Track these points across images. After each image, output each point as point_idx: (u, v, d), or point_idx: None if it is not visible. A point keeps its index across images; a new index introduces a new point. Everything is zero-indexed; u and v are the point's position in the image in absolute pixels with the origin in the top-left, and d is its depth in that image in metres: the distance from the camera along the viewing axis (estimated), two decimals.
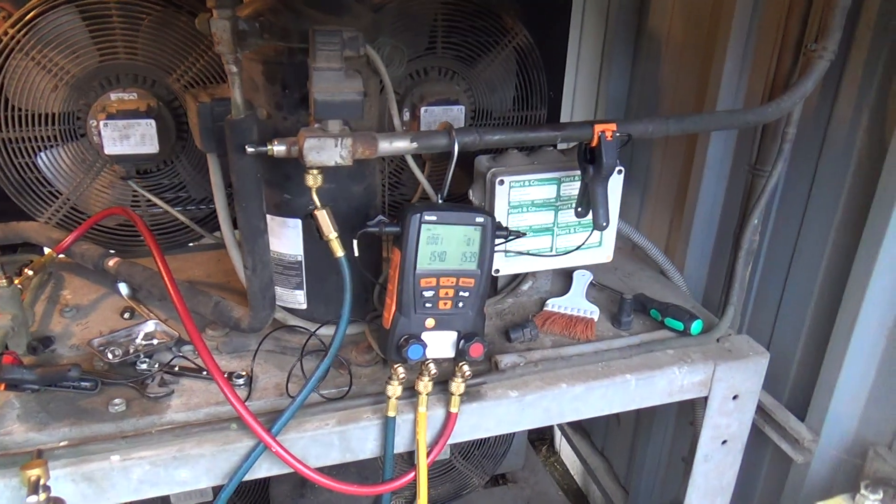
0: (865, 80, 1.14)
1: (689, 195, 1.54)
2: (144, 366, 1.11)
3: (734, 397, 1.24)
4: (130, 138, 1.33)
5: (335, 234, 0.97)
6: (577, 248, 1.22)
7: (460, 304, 0.99)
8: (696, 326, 1.23)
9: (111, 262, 1.26)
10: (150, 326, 1.19)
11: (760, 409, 1.35)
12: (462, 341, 1.00)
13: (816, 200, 1.27)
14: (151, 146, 1.34)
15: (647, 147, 1.73)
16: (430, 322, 0.99)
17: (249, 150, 0.90)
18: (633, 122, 1.05)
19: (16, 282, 1.14)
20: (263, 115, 1.03)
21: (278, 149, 0.91)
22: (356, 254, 0.97)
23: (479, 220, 0.97)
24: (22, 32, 1.27)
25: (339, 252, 0.97)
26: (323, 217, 0.96)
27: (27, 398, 1.05)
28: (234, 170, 0.95)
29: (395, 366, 1.00)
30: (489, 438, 1.88)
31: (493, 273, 1.22)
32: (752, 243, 1.26)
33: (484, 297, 1.01)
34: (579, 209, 1.12)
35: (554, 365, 1.16)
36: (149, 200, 1.42)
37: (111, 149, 1.33)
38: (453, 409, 1.05)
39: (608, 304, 1.35)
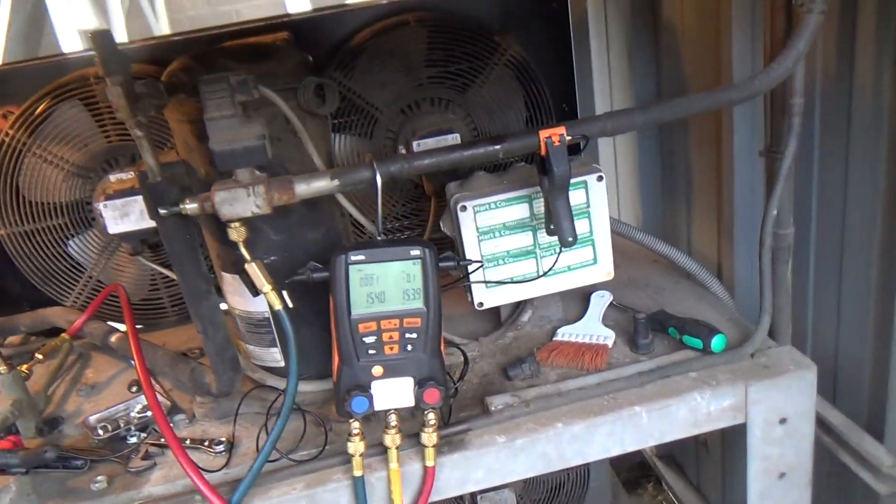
0: (881, 29, 0.95)
1: (723, 191, 1.37)
2: (134, 439, 1.11)
3: (781, 421, 1.05)
4: (130, 215, 1.37)
5: (269, 287, 0.92)
6: (568, 268, 1.10)
7: (409, 347, 0.91)
8: (717, 342, 1.06)
9: (114, 339, 1.29)
10: (145, 399, 1.20)
11: (831, 431, 1.14)
12: (416, 387, 0.91)
13: (855, 178, 1.07)
14: (151, 220, 1.37)
15: (682, 143, 1.57)
16: (377, 370, 0.91)
17: (162, 212, 0.88)
18: (587, 121, 0.93)
19: (24, 367, 1.19)
20: (202, 175, 1.02)
21: (191, 206, 0.89)
22: (289, 305, 0.92)
23: (415, 252, 0.89)
24: (26, 133, 1.35)
25: (277, 305, 0.93)
26: (253, 270, 0.92)
27: (23, 481, 1.08)
28: (161, 234, 0.93)
29: (350, 421, 0.93)
30: (547, 483, 1.72)
31: (476, 307, 1.13)
32: (779, 238, 1.08)
33: (436, 337, 0.92)
34: (551, 226, 1.00)
35: (550, 402, 1.04)
36: (160, 273, 1.45)
37: (114, 228, 1.37)
38: (429, 463, 0.96)
39: (629, 327, 1.20)
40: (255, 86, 0.85)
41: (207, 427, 1.14)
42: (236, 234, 0.90)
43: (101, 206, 1.37)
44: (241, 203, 0.87)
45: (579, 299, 1.28)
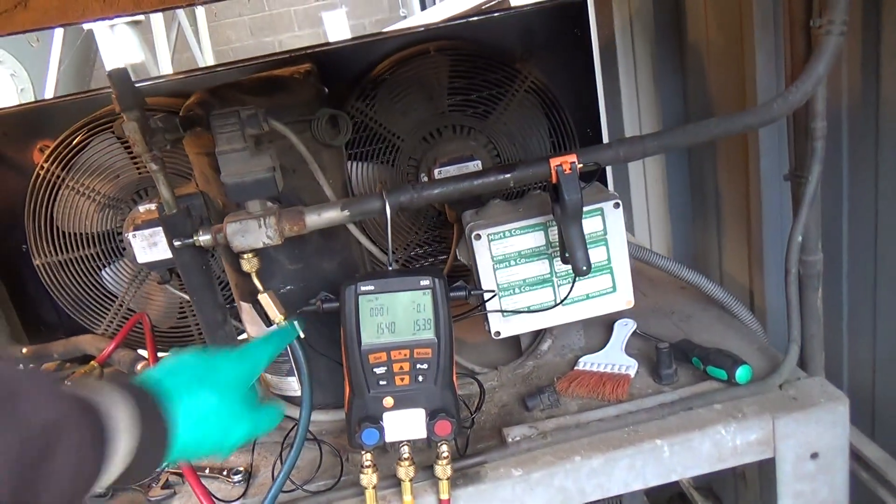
0: None
1: (751, 216, 1.33)
2: None
3: (812, 456, 1.00)
4: (158, 245, 1.39)
5: (281, 317, 0.93)
6: (587, 297, 1.08)
7: (420, 378, 0.90)
8: (742, 373, 1.02)
9: (140, 367, 1.31)
10: None
11: (869, 467, 1.08)
12: (428, 419, 0.90)
13: (885, 200, 1.03)
14: None
15: (710, 167, 1.53)
16: (388, 401, 0.90)
17: (177, 244, 0.90)
18: (599, 148, 0.92)
19: None
20: (220, 206, 1.03)
21: (204, 238, 0.90)
22: (301, 335, 0.92)
23: (425, 282, 0.89)
24: (61, 166, 1.40)
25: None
26: (266, 301, 0.93)
27: None
28: (178, 265, 0.95)
29: (363, 452, 0.92)
30: None
31: (494, 336, 1.11)
32: (807, 265, 1.04)
33: (448, 368, 0.90)
34: (566, 255, 0.99)
35: (568, 435, 1.01)
36: (188, 301, 1.47)
37: (143, 257, 1.39)
38: (443, 496, 0.94)
39: (653, 356, 1.17)
40: (265, 119, 0.86)
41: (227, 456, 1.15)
42: (248, 264, 0.91)
43: (130, 236, 1.40)
44: (252, 234, 0.88)
45: (602, 327, 1.25)
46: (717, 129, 0.92)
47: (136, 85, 0.86)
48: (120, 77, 0.84)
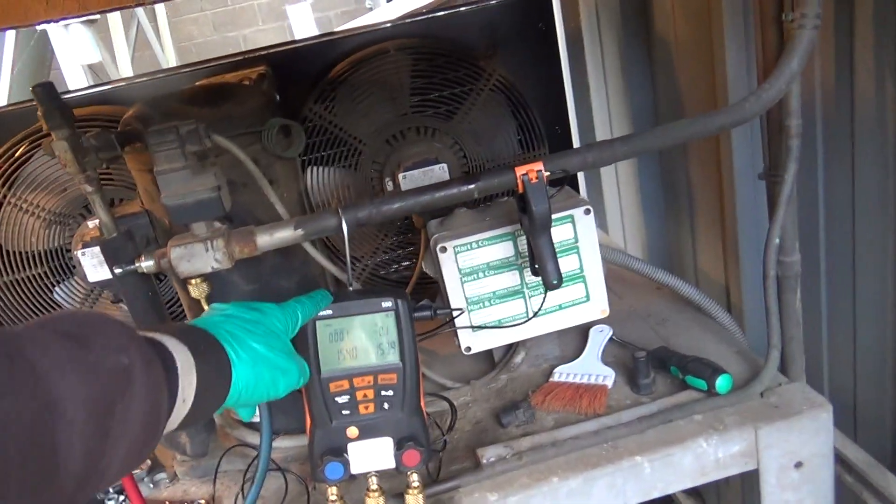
0: (880, 39, 0.88)
1: (726, 214, 1.29)
2: (112, 502, 1.06)
3: (797, 465, 0.97)
4: None
5: None
6: (559, 307, 1.03)
7: (385, 406, 0.84)
8: (722, 383, 0.98)
9: None
10: None
11: (853, 471, 1.05)
12: (396, 448, 0.85)
13: (862, 199, 1.00)
14: None
15: (681, 165, 1.50)
16: (352, 431, 0.84)
17: (117, 270, 0.83)
18: (566, 154, 0.87)
19: None
20: (166, 226, 0.97)
21: (146, 264, 0.84)
22: None
23: (387, 304, 0.83)
24: (1, 182, 1.31)
25: None
26: None
27: None
28: (120, 292, 0.88)
29: (327, 487, 0.86)
30: None
31: (465, 352, 1.06)
32: (785, 266, 1.00)
33: (414, 393, 0.85)
34: (535, 266, 0.94)
35: (545, 454, 0.97)
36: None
37: (93, 276, 1.31)
38: None
39: (630, 364, 1.13)
40: (208, 134, 0.80)
41: (189, 486, 1.09)
42: (197, 290, 0.85)
43: (79, 254, 1.32)
44: (199, 259, 0.82)
45: (578, 334, 1.21)
46: (688, 130, 0.87)
47: (75, 94, 0.79)
48: (46, 92, 0.77)
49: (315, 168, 1.36)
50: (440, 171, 1.34)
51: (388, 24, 1.46)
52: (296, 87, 1.36)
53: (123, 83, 1.41)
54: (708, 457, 0.95)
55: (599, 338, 1.18)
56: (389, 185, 1.39)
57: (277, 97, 1.04)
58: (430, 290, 1.41)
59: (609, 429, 0.99)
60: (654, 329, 1.23)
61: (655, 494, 0.96)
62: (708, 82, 1.26)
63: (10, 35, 4.11)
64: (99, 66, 4.56)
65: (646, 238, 1.68)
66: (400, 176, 1.33)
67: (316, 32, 5.08)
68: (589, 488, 0.94)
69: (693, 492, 1.91)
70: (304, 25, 5.46)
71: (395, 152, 1.39)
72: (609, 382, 1.08)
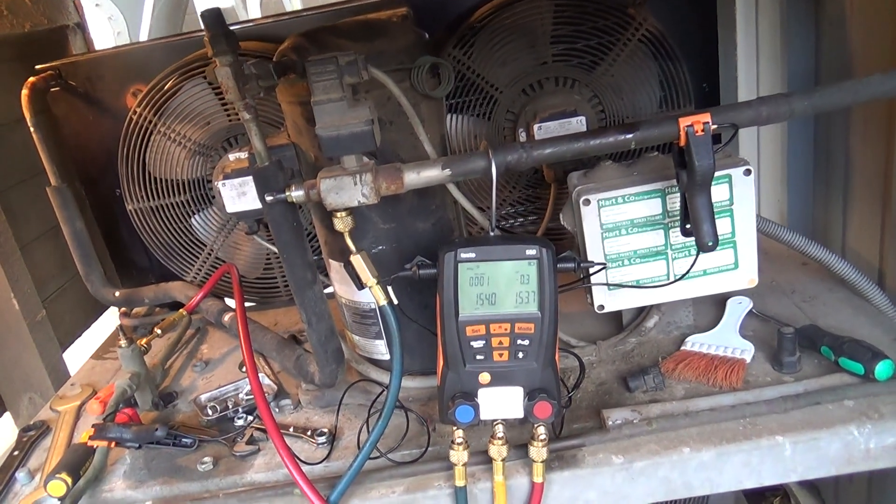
0: None
1: (892, 186, 1.17)
2: (241, 422, 1.11)
3: None
4: (247, 195, 1.36)
5: (374, 281, 0.87)
6: (704, 272, 0.97)
7: (520, 355, 0.83)
8: (882, 369, 0.90)
9: (226, 318, 1.30)
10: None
11: None
12: (526, 399, 0.83)
13: None
14: None
15: (842, 127, 1.37)
16: (484, 377, 0.84)
17: (268, 198, 0.85)
18: (735, 107, 0.80)
19: (143, 341, 1.22)
20: (311, 159, 0.98)
21: (296, 194, 0.85)
22: (394, 301, 0.86)
23: (531, 252, 0.81)
24: (153, 111, 1.38)
25: (382, 300, 0.87)
26: (358, 263, 0.87)
27: (136, 455, 1.10)
28: (267, 220, 0.90)
29: (454, 429, 0.86)
30: None
31: (597, 310, 1.03)
32: None
33: (551, 346, 0.83)
34: (687, 226, 0.89)
35: (677, 423, 0.93)
36: (275, 252, 1.45)
37: (231, 207, 1.37)
38: (537, 479, 0.88)
39: (771, 340, 1.06)
40: (365, 67, 0.79)
41: (311, 415, 1.12)
42: (342, 223, 0.86)
43: (220, 184, 1.37)
44: (347, 192, 0.82)
45: (713, 304, 1.15)
46: (882, 87, 0.79)
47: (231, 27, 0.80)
48: (213, 18, 0.79)
49: (448, 115, 1.34)
50: (577, 124, 1.30)
51: None
52: (435, 31, 1.34)
53: (271, 20, 1.43)
54: (858, 445, 0.88)
55: (738, 309, 1.11)
56: (522, 137, 1.35)
57: (426, 36, 1.02)
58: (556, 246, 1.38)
59: (748, 405, 0.93)
60: (798, 306, 1.15)
61: (793, 478, 0.90)
62: (891, 44, 1.13)
63: None
64: (230, 11, 4.71)
65: (786, 207, 1.57)
66: (535, 127, 1.30)
67: None
68: (722, 463, 0.89)
69: (809, 484, 1.81)
70: None
71: (531, 102, 1.35)
72: (748, 357, 1.02)
